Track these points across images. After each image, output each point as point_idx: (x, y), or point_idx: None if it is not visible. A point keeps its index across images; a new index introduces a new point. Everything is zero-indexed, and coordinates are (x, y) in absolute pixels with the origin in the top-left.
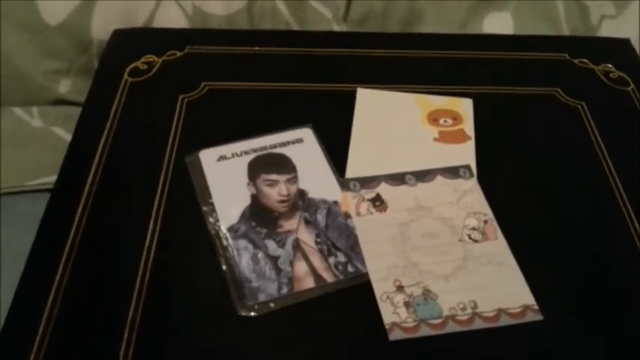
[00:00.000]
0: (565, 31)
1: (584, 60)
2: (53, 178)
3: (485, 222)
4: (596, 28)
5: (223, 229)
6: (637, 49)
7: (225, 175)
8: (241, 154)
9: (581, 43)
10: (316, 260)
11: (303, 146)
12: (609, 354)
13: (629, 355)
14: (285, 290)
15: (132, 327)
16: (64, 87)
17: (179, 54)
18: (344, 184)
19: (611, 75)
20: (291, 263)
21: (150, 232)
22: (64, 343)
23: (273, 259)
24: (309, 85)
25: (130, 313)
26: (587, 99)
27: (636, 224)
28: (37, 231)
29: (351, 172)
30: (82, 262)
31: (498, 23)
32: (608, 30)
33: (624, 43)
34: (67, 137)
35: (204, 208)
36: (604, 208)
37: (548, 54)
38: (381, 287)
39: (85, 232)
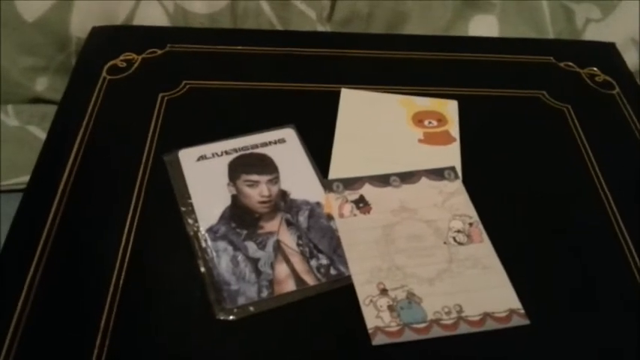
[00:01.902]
0: (550, 35)
1: (570, 63)
2: (27, 178)
3: (471, 224)
4: (581, 31)
5: (202, 230)
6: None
7: (205, 175)
8: (222, 154)
9: (566, 46)
10: (298, 263)
11: (285, 146)
12: (595, 358)
13: (615, 358)
14: (265, 293)
15: (105, 332)
16: (41, 85)
17: (159, 52)
18: (327, 185)
19: (596, 78)
20: (272, 265)
21: (126, 233)
22: (33, 350)
23: (254, 262)
24: (292, 84)
25: (104, 318)
26: (573, 102)
27: (622, 226)
28: (9, 231)
29: (334, 173)
30: (54, 264)
31: (484, 26)
32: (592, 33)
33: (610, 47)
34: (44, 136)
35: (183, 209)
36: (590, 210)
37: (534, 57)
38: (364, 291)
39: (58, 233)
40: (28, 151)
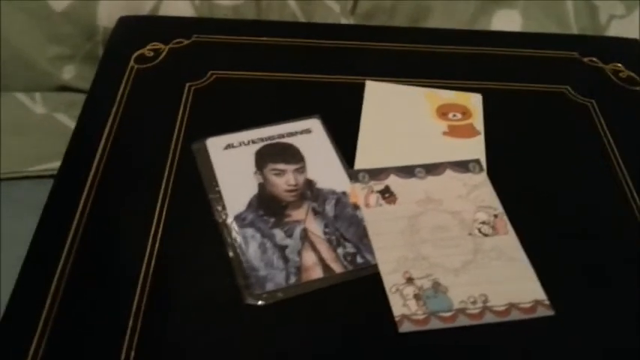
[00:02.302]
0: (574, 30)
1: (594, 59)
2: (54, 165)
3: (496, 216)
4: (605, 27)
5: (230, 217)
6: None
7: (233, 164)
8: (249, 143)
9: (590, 41)
10: (324, 250)
11: (311, 137)
12: (620, 349)
13: (637, 352)
14: (293, 280)
15: (136, 316)
16: (68, 73)
17: (186, 42)
18: (353, 175)
19: (620, 74)
20: (299, 253)
21: (155, 220)
22: (66, 333)
23: (281, 249)
24: (317, 76)
25: (135, 303)
26: (597, 97)
27: None
28: (40, 218)
29: (359, 163)
30: (85, 251)
31: (507, 21)
32: (616, 30)
33: (633, 43)
34: (70, 124)
35: (211, 196)
36: (614, 205)
37: (558, 52)
38: (390, 279)
39: (89, 220)
40: (55, 138)
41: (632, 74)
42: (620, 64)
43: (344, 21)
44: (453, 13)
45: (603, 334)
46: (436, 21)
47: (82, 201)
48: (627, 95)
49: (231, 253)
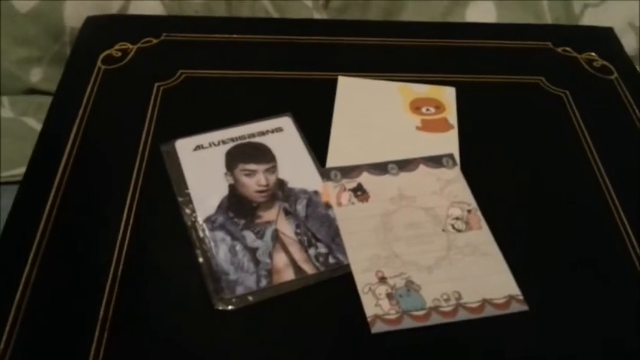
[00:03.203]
0: (548, 20)
1: (568, 49)
2: (24, 170)
3: (469, 211)
4: (579, 16)
5: (200, 220)
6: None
7: (202, 165)
8: (219, 144)
9: (564, 31)
10: (296, 251)
11: (282, 135)
12: (594, 343)
13: (613, 344)
14: (263, 283)
15: (103, 324)
16: (36, 76)
17: (155, 41)
18: (325, 173)
19: (594, 63)
20: (271, 255)
21: (123, 224)
22: (30, 345)
23: (252, 251)
24: (289, 73)
25: (102, 309)
26: (571, 87)
27: (620, 211)
28: (5, 224)
29: (332, 161)
30: (51, 256)
31: (481, 13)
32: (590, 18)
33: (607, 32)
34: (39, 127)
35: (180, 199)
36: (588, 195)
37: (532, 42)
38: (363, 279)
39: (56, 225)
40: (23, 142)
41: (606, 63)
42: (594, 54)
43: (317, 15)
44: (426, 5)
45: (577, 328)
46: (410, 14)
47: (48, 205)
48: (601, 84)
49: (200, 258)
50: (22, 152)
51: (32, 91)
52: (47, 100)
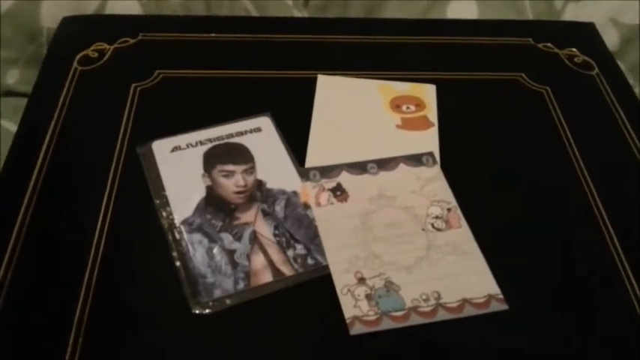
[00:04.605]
0: (530, 16)
1: (549, 44)
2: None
3: (449, 210)
4: (560, 12)
5: (177, 222)
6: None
7: (180, 167)
8: (196, 145)
9: (545, 27)
10: (274, 253)
11: (261, 135)
12: (574, 342)
13: (593, 343)
14: (241, 285)
15: (79, 327)
16: (12, 78)
17: (132, 41)
18: (303, 173)
19: (575, 59)
20: (248, 257)
21: (99, 226)
22: (5, 346)
23: (230, 253)
24: (268, 72)
25: (77, 312)
26: (552, 83)
27: (602, 208)
28: None
29: (310, 161)
30: (26, 259)
31: (462, 9)
32: (572, 14)
33: (588, 27)
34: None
35: (157, 201)
36: (569, 193)
37: (512, 39)
38: (341, 280)
39: (31, 227)
40: (1, 145)
41: (587, 59)
42: (574, 49)
43: (297, 13)
44: (407, 3)
45: (557, 328)
46: (391, 11)
47: (22, 208)
48: (582, 80)
49: (177, 261)
50: None
51: (9, 93)
52: (24, 103)
